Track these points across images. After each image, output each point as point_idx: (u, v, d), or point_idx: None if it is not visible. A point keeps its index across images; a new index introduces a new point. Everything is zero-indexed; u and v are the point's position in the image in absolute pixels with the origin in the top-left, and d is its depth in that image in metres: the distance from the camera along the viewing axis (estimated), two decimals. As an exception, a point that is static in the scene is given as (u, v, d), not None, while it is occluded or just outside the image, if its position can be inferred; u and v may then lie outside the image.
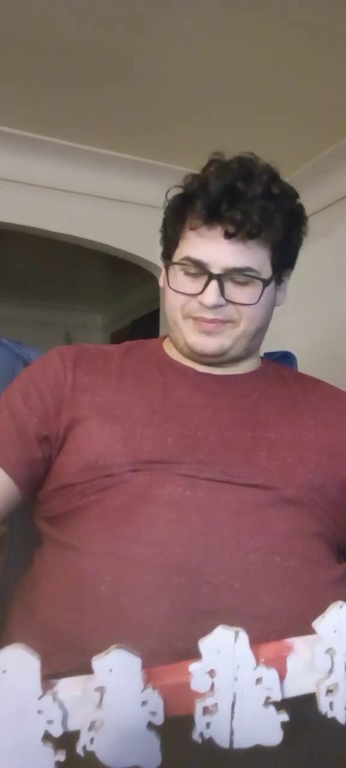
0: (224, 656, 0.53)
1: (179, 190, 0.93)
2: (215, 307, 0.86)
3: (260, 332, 0.93)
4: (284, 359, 1.17)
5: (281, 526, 0.79)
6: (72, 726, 0.49)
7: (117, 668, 0.51)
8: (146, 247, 2.90)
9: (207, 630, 0.71)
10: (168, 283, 0.90)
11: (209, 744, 0.51)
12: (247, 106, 2.27)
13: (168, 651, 0.70)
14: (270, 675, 0.52)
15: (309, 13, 1.79)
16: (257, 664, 0.52)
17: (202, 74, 2.12)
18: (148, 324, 4.19)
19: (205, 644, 0.54)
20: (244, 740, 0.52)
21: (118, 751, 0.49)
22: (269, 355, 1.11)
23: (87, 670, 0.69)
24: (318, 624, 0.54)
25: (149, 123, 2.47)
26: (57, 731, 0.48)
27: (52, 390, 0.87)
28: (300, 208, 0.94)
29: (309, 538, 0.81)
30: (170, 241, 0.93)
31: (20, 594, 0.83)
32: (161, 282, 0.98)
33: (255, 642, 0.70)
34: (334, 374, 1.09)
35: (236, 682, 0.52)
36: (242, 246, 0.86)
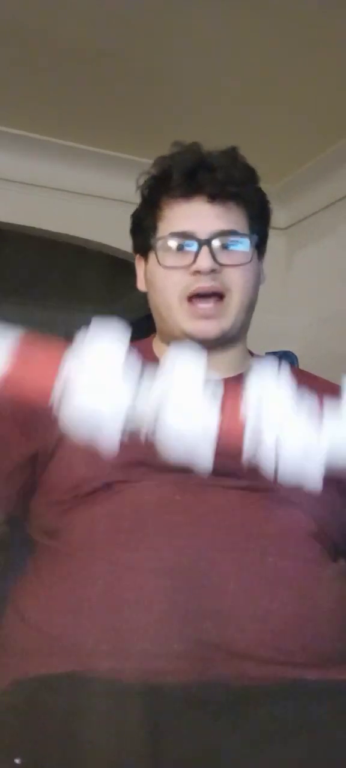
0: (269, 383, 0.55)
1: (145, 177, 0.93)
2: (211, 272, 0.84)
3: (251, 307, 0.91)
4: (285, 359, 1.17)
5: (274, 527, 0.79)
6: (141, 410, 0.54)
7: (186, 356, 0.55)
8: (146, 247, 2.89)
9: (202, 632, 0.71)
10: (158, 262, 0.88)
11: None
12: (247, 106, 2.26)
13: (164, 653, 0.70)
14: (311, 403, 0.54)
15: (309, 13, 1.79)
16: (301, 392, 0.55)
17: (202, 75, 2.12)
18: (148, 324, 4.18)
19: (253, 371, 0.57)
20: (287, 475, 0.54)
21: (176, 440, 0.54)
22: (269, 355, 1.11)
23: (82, 673, 0.70)
24: None
25: (149, 123, 2.46)
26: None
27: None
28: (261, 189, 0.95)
29: (302, 538, 0.81)
30: (148, 229, 0.91)
31: (14, 601, 0.83)
32: (141, 283, 0.96)
33: (254, 642, 0.70)
34: (334, 374, 1.08)
35: (279, 415, 0.53)
36: (223, 209, 0.87)
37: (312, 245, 2.65)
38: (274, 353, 1.16)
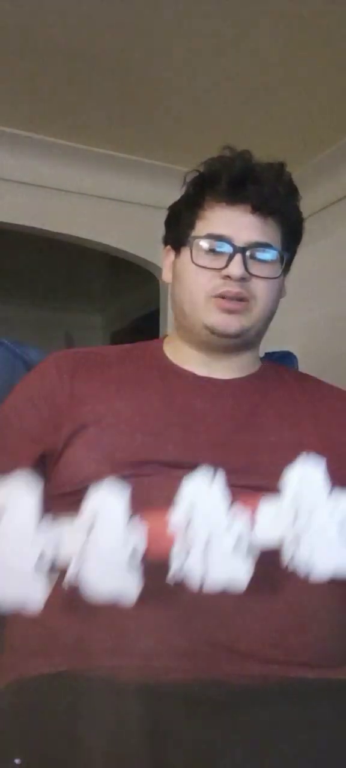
0: (202, 497, 0.57)
1: (194, 175, 0.94)
2: (242, 279, 0.87)
3: (269, 319, 0.93)
4: (285, 359, 1.17)
5: None
6: (63, 556, 0.55)
7: (109, 495, 0.56)
8: (146, 247, 2.89)
9: (206, 630, 0.71)
10: (192, 259, 0.90)
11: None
12: (247, 106, 2.27)
13: (167, 650, 0.71)
14: (242, 519, 0.56)
15: (309, 13, 1.79)
16: (231, 506, 0.56)
17: (202, 74, 2.12)
18: (148, 324, 4.18)
19: (185, 483, 0.57)
20: (213, 584, 0.56)
21: (100, 581, 0.54)
22: (269, 355, 1.11)
23: (83, 672, 0.70)
24: (286, 474, 0.58)
25: (149, 123, 2.47)
26: (48, 560, 0.54)
27: (49, 404, 0.87)
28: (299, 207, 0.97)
29: None
30: (186, 225, 0.92)
31: None
32: (167, 274, 0.97)
33: (257, 641, 0.69)
34: (335, 374, 1.09)
35: (209, 523, 0.56)
36: (262, 222, 0.89)
37: (311, 246, 2.64)
38: (274, 353, 1.16)
